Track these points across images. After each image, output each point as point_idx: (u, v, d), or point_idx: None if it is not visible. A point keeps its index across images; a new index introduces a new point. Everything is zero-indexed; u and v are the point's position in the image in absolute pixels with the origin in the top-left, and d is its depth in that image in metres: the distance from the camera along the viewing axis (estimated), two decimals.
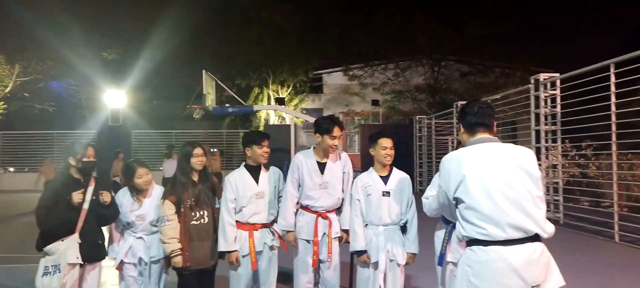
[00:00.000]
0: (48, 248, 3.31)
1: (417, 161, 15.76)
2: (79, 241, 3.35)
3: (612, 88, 7.21)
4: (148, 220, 3.62)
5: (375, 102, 20.32)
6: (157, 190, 3.70)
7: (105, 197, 3.44)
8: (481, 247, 2.15)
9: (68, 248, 3.31)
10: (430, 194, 3.10)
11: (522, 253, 2.12)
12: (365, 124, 20.54)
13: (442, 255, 3.20)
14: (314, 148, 3.74)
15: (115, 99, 16.49)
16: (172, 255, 3.41)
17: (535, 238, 2.17)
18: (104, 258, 3.62)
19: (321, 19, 20.57)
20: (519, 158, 2.24)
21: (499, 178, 2.18)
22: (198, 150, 3.58)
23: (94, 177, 3.55)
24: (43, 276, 3.29)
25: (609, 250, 6.75)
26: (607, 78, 7.28)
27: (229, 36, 19.69)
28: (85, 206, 3.39)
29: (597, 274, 5.47)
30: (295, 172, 3.67)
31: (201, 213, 3.56)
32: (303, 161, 3.67)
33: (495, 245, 2.12)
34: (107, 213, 3.52)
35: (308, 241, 3.64)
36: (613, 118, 7.24)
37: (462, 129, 2.46)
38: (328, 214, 3.66)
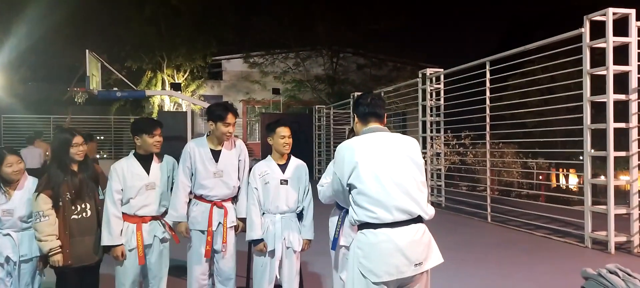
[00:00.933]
0: None
1: (315, 150, 16.12)
2: None
3: (487, 84, 7.97)
4: (17, 215, 3.24)
5: (275, 91, 20.29)
6: (29, 181, 3.31)
7: None
8: (371, 230, 2.28)
9: None
10: (325, 182, 3.19)
11: (407, 234, 2.28)
12: (266, 112, 20.44)
13: (335, 240, 3.32)
14: (208, 135, 3.64)
15: None
16: (50, 254, 3.10)
17: (418, 219, 2.34)
18: None
19: (219, 3, 19.93)
20: (406, 147, 2.42)
21: (387, 165, 2.32)
22: (77, 139, 3.24)
23: None
24: None
25: (483, 229, 7.51)
26: (484, 74, 8.03)
27: (118, 14, 18.21)
28: None
29: (473, 251, 6.07)
30: (187, 160, 3.53)
31: (83, 206, 3.26)
32: (195, 149, 3.55)
33: (383, 228, 2.26)
34: None
35: (203, 232, 3.54)
36: (487, 111, 8.02)
37: (356, 119, 2.58)
38: (224, 203, 3.59)
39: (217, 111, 3.50)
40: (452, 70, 9.13)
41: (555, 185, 14.17)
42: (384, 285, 2.24)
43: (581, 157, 6.28)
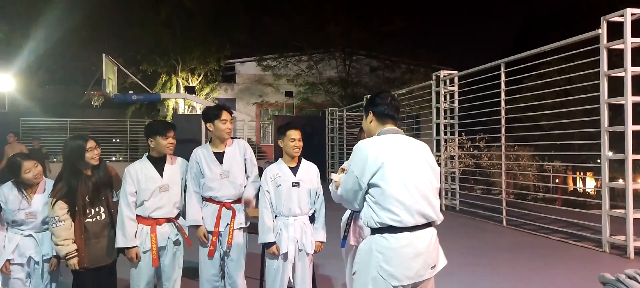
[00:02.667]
0: None
1: (328, 152, 16.12)
2: None
3: (502, 85, 7.89)
4: (40, 218, 3.31)
5: (289, 94, 20.37)
6: (49, 184, 3.37)
7: None
8: (392, 234, 2.25)
9: None
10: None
11: (425, 238, 2.30)
12: (279, 115, 20.51)
13: (345, 238, 3.34)
14: (210, 140, 3.70)
15: (0, 82, 14.79)
16: (67, 258, 3.16)
17: (432, 224, 2.37)
18: None
19: (233, 6, 20.07)
20: (424, 152, 2.41)
21: (410, 169, 2.31)
22: (91, 144, 3.28)
23: None
24: None
25: (498, 233, 7.42)
26: (498, 76, 7.95)
27: (133, 17, 18.45)
28: None
29: (488, 255, 6.00)
30: (193, 167, 3.60)
31: (97, 209, 3.32)
32: (200, 154, 3.61)
33: (404, 232, 2.25)
34: None
35: (210, 232, 3.58)
36: (502, 113, 7.94)
37: (371, 117, 2.50)
38: (232, 205, 3.62)
39: (211, 111, 3.59)
40: (466, 72, 9.05)
41: (572, 189, 13.96)
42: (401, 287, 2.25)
43: (598, 160, 6.17)
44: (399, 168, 2.28)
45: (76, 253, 3.19)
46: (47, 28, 16.52)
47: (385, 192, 2.25)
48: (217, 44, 19.70)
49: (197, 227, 3.58)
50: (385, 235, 2.26)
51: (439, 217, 2.38)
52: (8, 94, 14.85)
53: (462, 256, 5.85)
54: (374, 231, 2.31)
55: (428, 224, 2.33)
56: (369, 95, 10.39)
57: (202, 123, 13.42)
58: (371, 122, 2.50)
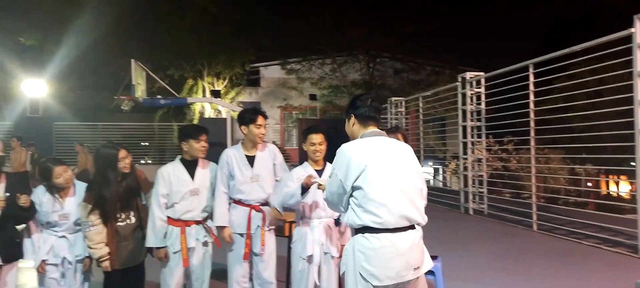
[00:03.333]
0: None
1: None
2: None
3: (531, 87, 7.71)
4: (72, 219, 3.41)
5: (312, 97, 20.46)
6: (79, 186, 3.47)
7: (24, 201, 3.16)
8: (373, 234, 2.27)
9: None
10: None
11: (407, 239, 2.31)
12: (303, 118, 20.60)
13: None
14: (242, 142, 3.71)
15: (35, 88, 15.31)
16: (100, 260, 3.27)
17: (416, 226, 2.38)
18: (21, 257, 3.35)
19: (256, 10, 20.29)
20: (407, 154, 2.44)
21: (393, 171, 2.33)
22: (123, 153, 3.41)
23: (4, 172, 3.26)
24: None
25: (528, 238, 7.25)
26: (527, 77, 7.77)
27: (160, 24, 18.85)
28: None
29: (518, 260, 5.86)
30: (224, 167, 3.62)
31: (127, 213, 3.43)
32: (232, 156, 3.64)
33: (385, 232, 2.27)
34: (24, 215, 3.26)
35: (242, 235, 3.61)
36: (531, 115, 7.76)
37: (353, 120, 2.52)
38: (262, 207, 3.65)
39: (248, 115, 3.61)
40: (493, 74, 8.90)
41: (606, 193, 13.53)
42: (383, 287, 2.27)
43: (633, 163, 5.96)
44: (381, 170, 2.30)
45: (108, 256, 3.29)
46: (77, 35, 17.03)
47: (367, 195, 2.27)
48: (242, 48, 19.94)
49: (223, 227, 3.60)
50: (366, 235, 2.29)
51: (423, 219, 2.39)
52: (42, 99, 15.33)
53: (491, 261, 5.74)
54: (356, 231, 2.34)
55: (411, 226, 2.33)
56: (392, 98, 10.28)
57: (228, 126, 13.64)
58: (353, 125, 2.53)
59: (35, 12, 17.78)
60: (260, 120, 3.59)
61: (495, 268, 5.43)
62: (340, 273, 2.49)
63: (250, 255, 3.64)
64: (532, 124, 7.75)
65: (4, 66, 17.73)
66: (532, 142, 7.85)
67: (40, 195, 3.38)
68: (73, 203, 3.42)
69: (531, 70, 7.66)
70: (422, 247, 2.40)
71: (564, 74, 7.77)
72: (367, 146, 2.37)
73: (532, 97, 7.72)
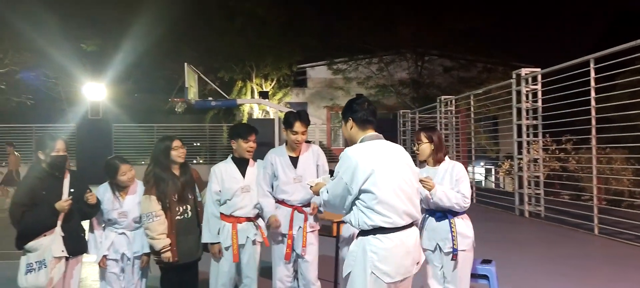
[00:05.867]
0: (30, 245, 3.20)
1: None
2: (62, 234, 3.26)
3: (592, 83, 7.31)
4: (131, 217, 3.55)
5: (359, 97, 20.39)
6: (140, 186, 3.62)
7: (92, 199, 3.35)
8: (385, 234, 2.38)
9: (52, 242, 3.22)
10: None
11: (412, 236, 2.47)
12: None
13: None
14: (286, 143, 3.73)
15: (95, 91, 16.16)
16: (162, 251, 3.38)
17: (415, 222, 2.53)
18: (86, 251, 3.53)
19: (303, 11, 20.46)
20: (404, 156, 2.55)
21: (396, 173, 2.45)
22: (177, 143, 3.53)
23: (68, 169, 3.45)
24: (26, 273, 3.17)
25: (589, 242, 6.87)
26: (587, 73, 7.38)
27: (211, 28, 19.44)
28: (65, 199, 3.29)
29: (577, 266, 5.56)
30: (268, 167, 3.65)
31: (184, 207, 3.53)
32: (276, 157, 3.67)
33: (395, 232, 2.39)
34: (89, 211, 3.44)
35: (284, 235, 3.64)
36: (593, 113, 7.35)
37: (351, 124, 2.59)
38: (304, 208, 3.66)
39: (288, 119, 3.59)
40: (550, 70, 8.49)
41: None
42: (392, 283, 2.39)
43: None
44: (387, 173, 2.41)
45: (170, 247, 3.40)
46: (134, 40, 17.85)
47: (377, 197, 2.37)
48: (289, 49, 20.19)
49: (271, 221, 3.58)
50: (378, 236, 2.38)
51: (420, 215, 2.58)
52: (101, 102, 16.16)
53: (549, 265, 5.48)
54: (365, 233, 2.41)
55: (412, 223, 2.49)
56: (442, 97, 10.11)
57: (276, 126, 13.85)
58: (351, 128, 2.60)
59: (96, 20, 18.82)
60: (297, 126, 3.54)
61: (552, 273, 5.18)
62: (343, 274, 2.51)
63: (293, 256, 3.66)
64: (593, 121, 7.34)
65: (68, 71, 18.87)
66: (594, 141, 7.44)
67: (102, 193, 3.55)
68: (132, 202, 3.56)
69: (592, 65, 7.27)
70: (419, 243, 2.59)
71: (628, 68, 7.29)
72: (371, 150, 2.47)
73: (593, 93, 7.31)
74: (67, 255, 3.29)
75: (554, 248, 6.47)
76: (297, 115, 3.60)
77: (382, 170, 2.40)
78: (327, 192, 2.56)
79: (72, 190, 3.35)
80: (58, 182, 3.32)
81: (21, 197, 3.22)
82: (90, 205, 3.37)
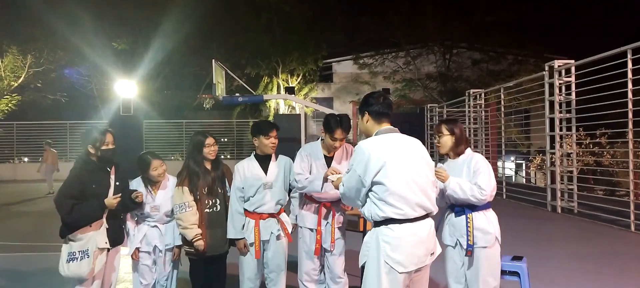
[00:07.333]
0: (75, 235, 3.29)
1: (428, 149, 15.68)
2: (107, 226, 3.38)
3: (629, 75, 7.05)
4: (163, 211, 3.63)
5: (385, 91, 20.21)
6: (171, 181, 3.70)
7: (139, 198, 3.47)
8: (397, 225, 2.41)
9: (97, 233, 3.32)
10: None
11: (425, 227, 2.48)
12: None
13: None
14: (322, 140, 3.71)
15: (126, 88, 16.53)
16: (194, 241, 3.47)
17: (430, 214, 2.54)
18: (123, 241, 3.63)
19: (329, 6, 20.41)
20: (419, 149, 2.57)
21: (409, 165, 2.47)
22: (210, 140, 3.61)
23: (115, 163, 3.54)
24: (68, 262, 3.26)
25: (625, 238, 6.65)
26: (624, 65, 7.12)
27: (237, 25, 19.63)
28: (111, 193, 3.39)
29: (613, 263, 5.39)
30: (304, 160, 3.65)
31: (214, 201, 3.61)
32: (311, 153, 3.68)
33: (407, 223, 2.42)
34: (132, 206, 3.54)
35: (312, 230, 3.66)
36: (629, 105, 7.09)
37: (367, 117, 2.63)
38: (332, 204, 3.67)
39: (330, 124, 3.54)
40: (585, 61, 8.22)
41: None
42: (407, 273, 2.41)
43: None
44: (399, 166, 2.44)
45: (201, 237, 3.49)
46: (163, 39, 18.23)
47: (388, 189, 2.41)
48: (315, 45, 20.22)
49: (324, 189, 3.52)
50: (390, 226, 2.42)
51: (435, 208, 2.55)
52: (133, 99, 16.55)
53: (581, 263, 5.32)
54: (378, 223, 2.46)
55: (427, 215, 2.50)
56: (471, 90, 9.95)
57: (302, 121, 13.89)
58: (367, 121, 2.64)
59: (127, 19, 19.26)
60: (338, 134, 3.48)
61: (586, 270, 5.03)
62: (360, 264, 2.55)
63: (320, 250, 3.68)
64: (630, 114, 7.08)
65: (101, 69, 19.41)
66: (630, 135, 7.18)
67: (135, 187, 3.64)
68: (164, 196, 3.64)
69: (629, 56, 7.00)
70: (434, 234, 2.57)
71: None
72: (384, 143, 2.50)
73: (630, 85, 7.05)
74: (109, 247, 3.40)
75: (588, 245, 6.28)
76: (339, 122, 3.51)
77: (394, 162, 2.43)
78: (343, 185, 2.62)
79: (117, 183, 3.45)
80: (106, 176, 3.41)
81: (71, 190, 3.27)
82: (135, 202, 3.48)
